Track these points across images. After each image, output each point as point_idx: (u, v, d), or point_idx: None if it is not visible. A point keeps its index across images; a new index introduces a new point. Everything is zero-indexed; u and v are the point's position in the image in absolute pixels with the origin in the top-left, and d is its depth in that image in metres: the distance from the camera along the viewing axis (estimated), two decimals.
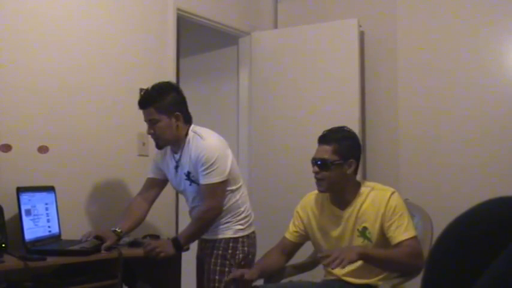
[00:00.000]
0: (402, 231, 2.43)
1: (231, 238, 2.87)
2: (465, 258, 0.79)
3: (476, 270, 0.75)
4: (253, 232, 2.98)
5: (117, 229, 2.86)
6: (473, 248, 0.79)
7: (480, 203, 0.84)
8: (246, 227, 2.92)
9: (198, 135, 2.82)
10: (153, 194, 3.06)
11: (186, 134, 2.84)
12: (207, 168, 2.75)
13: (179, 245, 2.81)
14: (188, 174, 2.85)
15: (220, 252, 2.86)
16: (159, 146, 2.90)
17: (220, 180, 2.78)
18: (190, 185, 2.87)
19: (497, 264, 0.72)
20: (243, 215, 2.92)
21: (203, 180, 2.77)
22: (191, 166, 2.81)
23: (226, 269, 2.82)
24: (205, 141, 2.79)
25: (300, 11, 4.54)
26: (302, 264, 2.89)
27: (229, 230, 2.88)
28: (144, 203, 3.03)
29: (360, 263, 2.48)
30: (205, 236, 2.94)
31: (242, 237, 2.89)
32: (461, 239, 0.81)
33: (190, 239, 2.86)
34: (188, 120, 2.87)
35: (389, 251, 2.44)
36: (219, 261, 2.84)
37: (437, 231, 0.89)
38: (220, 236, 2.88)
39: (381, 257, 2.42)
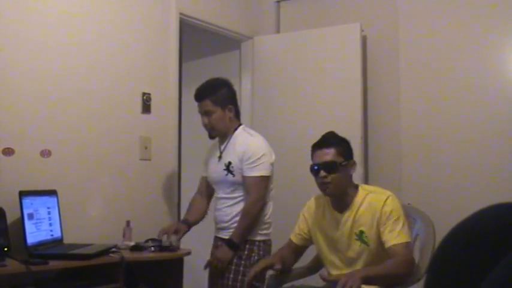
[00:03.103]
0: (395, 236, 2.42)
1: (248, 240, 2.93)
2: (467, 264, 0.79)
3: (477, 276, 0.74)
4: (269, 240, 3.04)
5: (187, 218, 3.14)
6: (475, 254, 0.79)
7: (482, 209, 0.84)
8: (264, 233, 2.99)
9: (247, 132, 3.05)
10: (209, 190, 3.20)
11: (236, 129, 3.03)
12: (253, 162, 2.89)
13: (234, 245, 2.90)
14: (228, 165, 2.96)
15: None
16: (212, 136, 3.08)
17: (265, 174, 2.92)
18: (226, 175, 2.98)
19: (498, 269, 0.72)
20: (263, 220, 2.98)
21: (249, 173, 2.91)
22: (234, 157, 2.94)
23: (241, 269, 2.87)
24: (254, 138, 3.01)
25: (302, 15, 4.54)
26: (305, 268, 2.89)
27: None
28: (203, 199, 3.22)
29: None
30: (222, 235, 3.01)
31: (259, 241, 2.96)
32: (463, 245, 0.81)
33: (242, 235, 2.92)
34: (238, 115, 3.10)
35: (384, 267, 2.40)
36: (234, 260, 2.90)
37: (440, 235, 0.89)
38: None
39: (378, 275, 2.38)
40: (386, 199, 2.49)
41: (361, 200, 2.54)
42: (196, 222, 3.17)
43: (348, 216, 2.54)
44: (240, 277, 2.85)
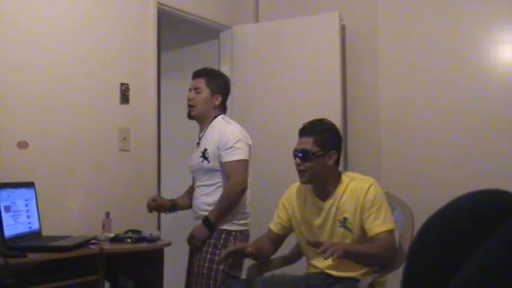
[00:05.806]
0: (379, 224, 2.46)
1: (224, 229, 2.95)
2: (445, 252, 0.80)
3: (456, 264, 0.75)
4: (247, 230, 3.06)
5: (174, 199, 3.19)
6: (453, 241, 0.80)
7: (459, 197, 0.85)
8: (241, 223, 3.01)
9: (226, 121, 3.08)
10: None
11: (215, 117, 3.05)
12: (230, 147, 2.92)
13: (210, 224, 2.92)
14: (204, 151, 3.00)
15: (212, 241, 2.94)
16: (190, 116, 3.10)
17: (243, 157, 2.95)
18: (202, 162, 3.01)
19: (476, 257, 0.72)
20: (239, 210, 2.99)
21: (226, 158, 2.93)
22: (210, 144, 2.98)
23: (216, 258, 2.87)
24: (231, 125, 3.05)
25: (281, 4, 4.53)
26: (285, 258, 2.90)
27: (224, 221, 2.95)
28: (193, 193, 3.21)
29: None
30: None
31: (235, 231, 2.98)
32: (441, 232, 0.82)
33: (219, 216, 2.94)
34: (224, 109, 3.14)
35: (367, 248, 2.47)
36: (210, 249, 2.92)
37: (418, 223, 0.90)
38: None
39: (359, 254, 2.47)
40: (370, 186, 2.52)
41: (344, 188, 2.57)
42: (183, 206, 3.20)
43: (331, 204, 2.56)
44: (215, 266, 2.87)
